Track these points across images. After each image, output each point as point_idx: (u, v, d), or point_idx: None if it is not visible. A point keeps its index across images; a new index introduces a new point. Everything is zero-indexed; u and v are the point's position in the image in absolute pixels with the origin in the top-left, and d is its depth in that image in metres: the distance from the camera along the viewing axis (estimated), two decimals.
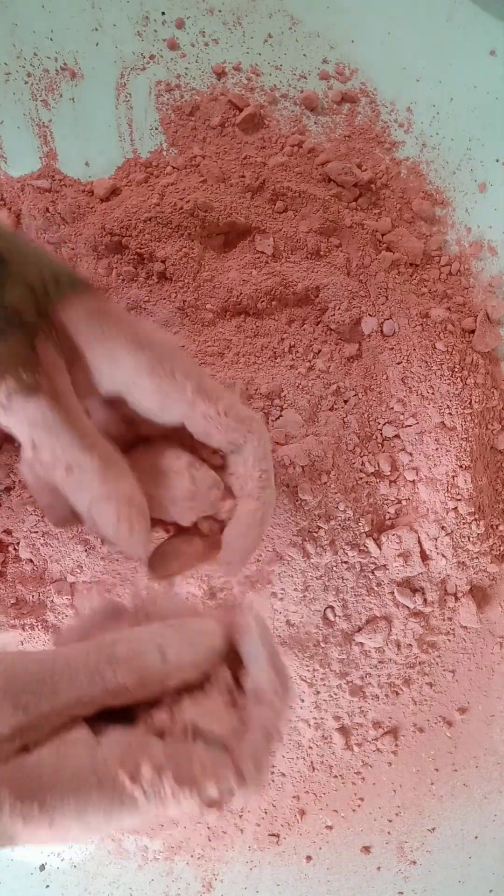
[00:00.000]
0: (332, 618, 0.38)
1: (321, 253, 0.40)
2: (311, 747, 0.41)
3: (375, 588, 0.39)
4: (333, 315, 0.39)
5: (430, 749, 0.42)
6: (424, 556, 0.39)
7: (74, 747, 0.24)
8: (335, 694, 0.39)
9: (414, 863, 0.43)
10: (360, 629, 0.39)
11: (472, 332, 0.41)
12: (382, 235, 0.41)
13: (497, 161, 0.42)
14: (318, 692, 0.39)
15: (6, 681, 0.24)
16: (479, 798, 0.43)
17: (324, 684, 0.39)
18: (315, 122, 0.41)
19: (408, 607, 0.39)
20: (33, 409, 0.26)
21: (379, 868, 0.43)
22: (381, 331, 0.39)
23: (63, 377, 0.27)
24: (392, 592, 0.39)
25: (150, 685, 0.25)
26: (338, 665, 0.39)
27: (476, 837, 0.43)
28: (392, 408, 0.39)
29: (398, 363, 0.39)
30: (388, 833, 0.43)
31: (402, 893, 0.43)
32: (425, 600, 0.39)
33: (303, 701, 0.39)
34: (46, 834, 0.23)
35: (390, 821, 0.43)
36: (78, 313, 0.27)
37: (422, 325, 0.39)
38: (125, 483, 0.27)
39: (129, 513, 0.27)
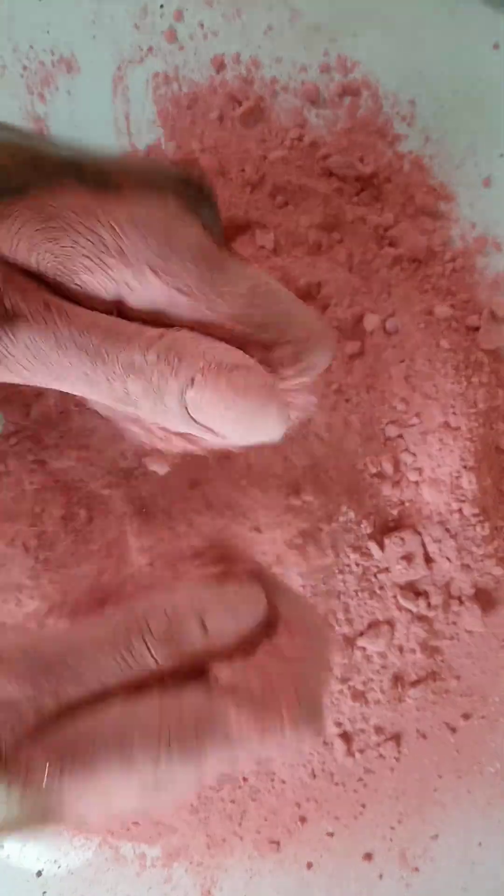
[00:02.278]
0: (333, 622, 0.37)
1: (322, 248, 0.39)
2: (312, 754, 0.39)
3: (378, 592, 0.38)
4: (335, 312, 0.38)
5: (434, 755, 0.41)
6: (428, 559, 0.38)
7: (109, 708, 0.21)
8: (337, 700, 0.38)
9: (416, 870, 0.42)
10: (361, 633, 0.38)
11: (477, 329, 0.40)
12: (385, 230, 0.40)
13: (502, 156, 0.40)
14: None
15: (27, 662, 0.21)
16: (483, 804, 0.42)
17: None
18: (316, 115, 0.40)
19: (411, 611, 0.38)
20: (28, 342, 0.20)
21: (381, 875, 0.42)
22: (384, 328, 0.38)
23: (40, 284, 0.20)
24: (395, 596, 0.38)
25: (185, 660, 0.22)
26: (339, 670, 0.38)
27: (480, 844, 0.42)
28: (395, 407, 0.38)
29: (401, 361, 0.38)
30: (391, 840, 0.42)
31: None
32: (429, 604, 0.38)
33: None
34: (94, 800, 0.20)
35: (392, 828, 0.41)
36: (16, 235, 0.19)
37: (425, 322, 0.38)
38: (210, 350, 0.20)
39: (237, 378, 0.20)
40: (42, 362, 0.20)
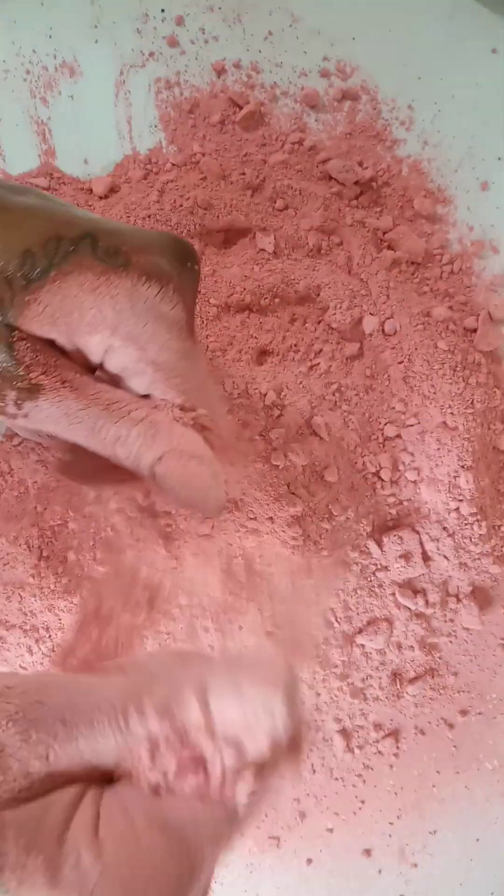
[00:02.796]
0: (332, 619, 0.37)
1: (322, 251, 0.39)
2: (311, 750, 0.40)
3: (377, 590, 0.38)
4: (334, 314, 0.38)
5: (432, 751, 0.41)
6: (426, 558, 0.38)
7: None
8: (336, 696, 0.39)
9: (415, 866, 0.42)
10: (360, 631, 0.38)
11: (474, 331, 0.40)
12: (384, 234, 0.40)
13: (499, 159, 0.41)
14: (319, 694, 0.38)
15: (26, 706, 0.20)
16: (480, 800, 0.42)
17: (324, 686, 0.38)
18: (316, 120, 0.40)
19: (409, 609, 0.38)
20: (47, 407, 0.25)
21: (380, 871, 0.42)
22: (383, 330, 0.38)
23: (60, 361, 0.26)
24: (393, 594, 0.38)
25: (181, 738, 0.21)
26: (338, 667, 0.38)
27: (478, 840, 0.42)
28: (393, 407, 0.38)
29: (399, 362, 0.38)
30: (390, 836, 0.42)
31: None
32: (427, 602, 0.38)
33: (303, 703, 0.38)
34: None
35: (391, 823, 0.42)
36: (40, 317, 0.24)
37: (423, 324, 0.38)
38: (177, 438, 0.26)
39: (192, 466, 0.26)
40: (54, 423, 0.26)
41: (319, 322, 0.39)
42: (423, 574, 0.38)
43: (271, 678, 0.21)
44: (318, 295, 0.39)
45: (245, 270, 0.38)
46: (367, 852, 0.42)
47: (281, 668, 0.21)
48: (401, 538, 0.38)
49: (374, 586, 0.38)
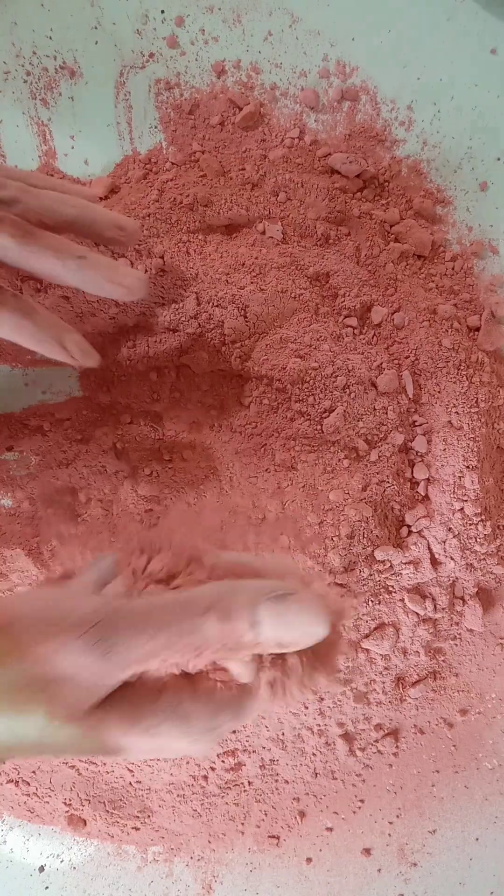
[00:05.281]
0: (339, 629, 0.37)
1: (331, 240, 0.38)
2: (314, 754, 0.39)
3: (386, 595, 0.37)
4: (344, 301, 0.37)
5: (431, 751, 0.41)
6: (434, 561, 0.37)
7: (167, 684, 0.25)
8: (339, 701, 0.38)
9: (415, 865, 0.42)
10: (367, 636, 0.37)
11: (477, 329, 0.39)
12: (391, 226, 0.39)
13: (498, 160, 0.40)
14: (323, 699, 0.37)
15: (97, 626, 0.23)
16: (479, 800, 0.41)
17: (328, 691, 0.38)
18: (315, 120, 0.40)
19: (417, 614, 0.37)
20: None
21: (379, 870, 0.42)
22: (392, 321, 0.38)
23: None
24: (402, 600, 0.37)
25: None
26: (342, 672, 0.37)
27: (477, 839, 0.42)
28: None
29: (406, 357, 0.38)
30: (389, 835, 0.41)
31: (402, 895, 0.42)
32: (435, 606, 0.37)
33: (307, 708, 0.38)
34: (148, 749, 0.24)
35: (391, 822, 0.41)
36: None
37: (429, 320, 0.37)
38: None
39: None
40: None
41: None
42: (431, 578, 0.37)
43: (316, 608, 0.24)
44: (328, 282, 0.37)
45: (254, 252, 0.37)
46: (367, 851, 0.42)
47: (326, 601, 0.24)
48: (409, 542, 0.37)
49: (383, 592, 0.37)
